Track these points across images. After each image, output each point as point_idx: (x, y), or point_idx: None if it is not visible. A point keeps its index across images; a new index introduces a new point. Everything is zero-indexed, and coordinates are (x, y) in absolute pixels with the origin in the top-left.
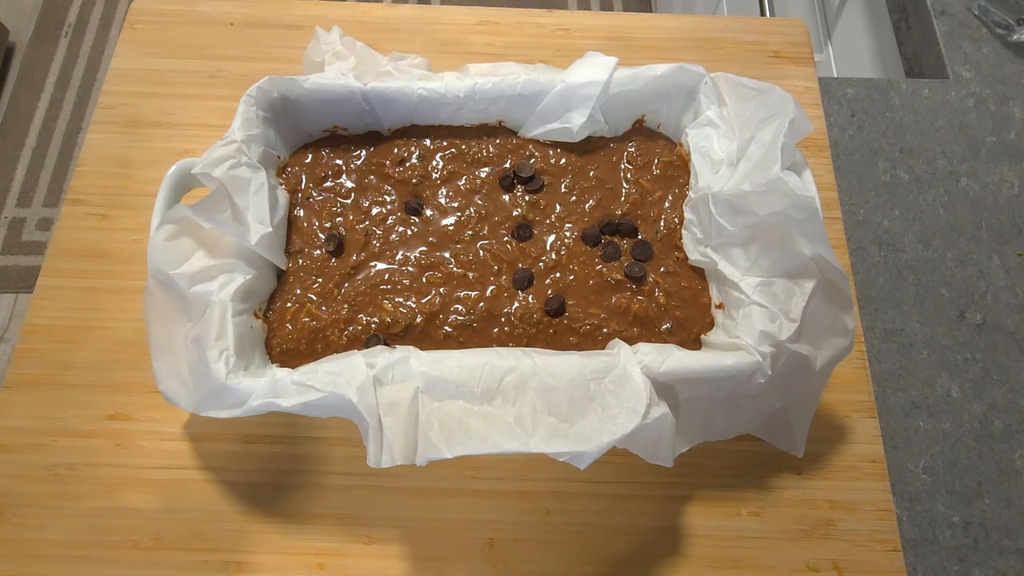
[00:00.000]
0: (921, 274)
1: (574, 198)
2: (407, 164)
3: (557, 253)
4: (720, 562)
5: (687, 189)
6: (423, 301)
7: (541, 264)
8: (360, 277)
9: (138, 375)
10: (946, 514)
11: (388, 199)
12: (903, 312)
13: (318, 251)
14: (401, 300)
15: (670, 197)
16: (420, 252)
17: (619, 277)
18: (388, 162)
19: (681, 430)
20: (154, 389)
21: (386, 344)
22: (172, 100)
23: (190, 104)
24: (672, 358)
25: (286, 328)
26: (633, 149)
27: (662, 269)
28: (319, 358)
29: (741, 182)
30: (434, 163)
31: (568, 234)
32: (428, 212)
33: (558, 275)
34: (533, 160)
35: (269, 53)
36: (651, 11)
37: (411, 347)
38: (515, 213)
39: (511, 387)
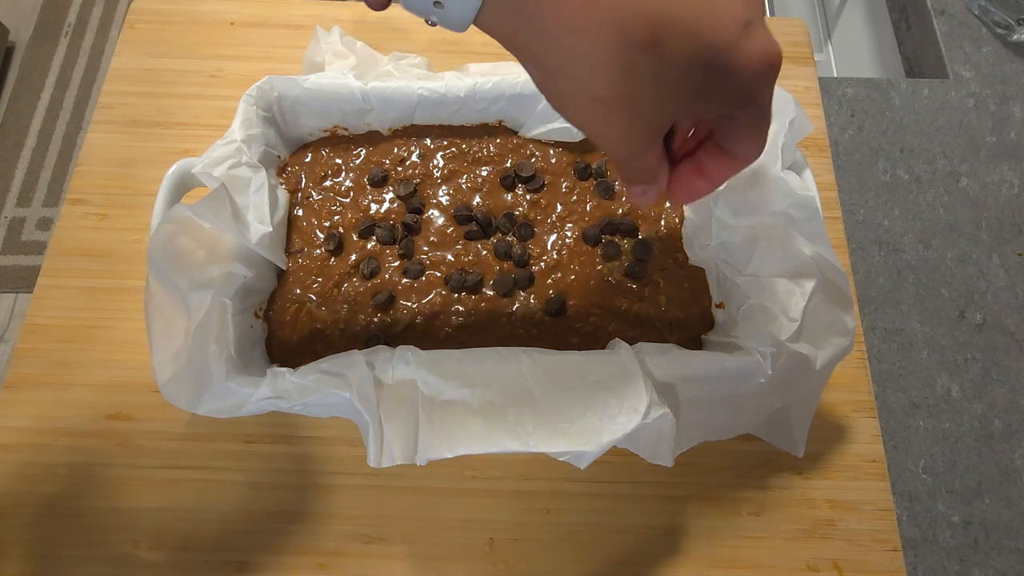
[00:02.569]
0: (921, 274)
1: (575, 198)
2: (407, 163)
3: (558, 253)
4: (720, 562)
5: None
6: (423, 301)
7: (542, 264)
8: (360, 276)
9: (138, 375)
10: (946, 514)
11: (388, 198)
12: (903, 312)
13: (318, 250)
14: (401, 300)
15: None
16: (421, 251)
17: (619, 277)
18: (388, 161)
19: (681, 430)
20: (154, 389)
21: (386, 344)
22: (172, 100)
23: (190, 104)
24: (672, 358)
25: (286, 328)
26: None
27: (662, 269)
28: (319, 358)
29: (741, 182)
30: (435, 162)
31: (569, 233)
32: (429, 211)
33: (559, 275)
34: (534, 159)
35: (269, 53)
36: None
37: (411, 347)
38: (516, 212)
39: (511, 387)
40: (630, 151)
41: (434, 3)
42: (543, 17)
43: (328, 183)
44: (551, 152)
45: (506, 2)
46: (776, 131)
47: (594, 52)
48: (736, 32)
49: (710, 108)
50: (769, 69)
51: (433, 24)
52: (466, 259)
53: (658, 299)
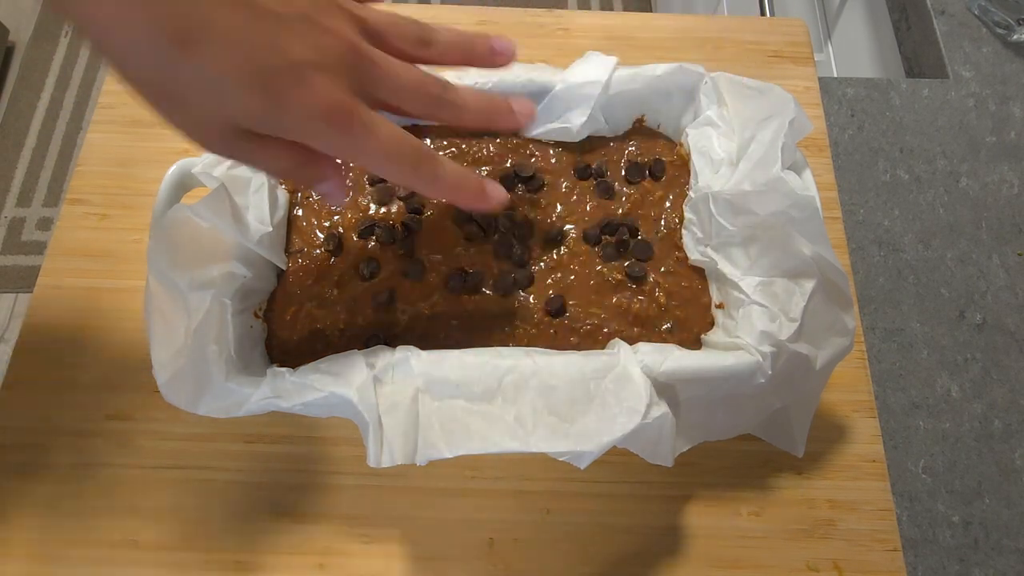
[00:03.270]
0: (921, 274)
1: (575, 198)
2: None
3: (557, 253)
4: (720, 562)
5: (687, 189)
6: (423, 301)
7: (542, 264)
8: (360, 276)
9: (138, 375)
10: (946, 514)
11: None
12: (903, 312)
13: (318, 250)
14: (401, 300)
15: (670, 197)
16: (421, 251)
17: (619, 277)
18: None
19: (681, 430)
20: (154, 389)
21: (386, 344)
22: None
23: None
24: (672, 358)
25: (286, 328)
26: (633, 148)
27: (662, 269)
28: (319, 358)
29: (741, 182)
30: None
31: (569, 233)
32: (429, 211)
33: (559, 275)
34: (534, 159)
35: None
36: (651, 11)
37: (411, 347)
38: (516, 212)
39: (511, 387)
40: (200, 142)
41: None
42: None
43: None
44: (551, 152)
45: None
46: (776, 131)
47: (130, 36)
48: (281, 67)
49: (288, 129)
50: (311, 120)
51: None
52: (466, 259)
53: (658, 299)
